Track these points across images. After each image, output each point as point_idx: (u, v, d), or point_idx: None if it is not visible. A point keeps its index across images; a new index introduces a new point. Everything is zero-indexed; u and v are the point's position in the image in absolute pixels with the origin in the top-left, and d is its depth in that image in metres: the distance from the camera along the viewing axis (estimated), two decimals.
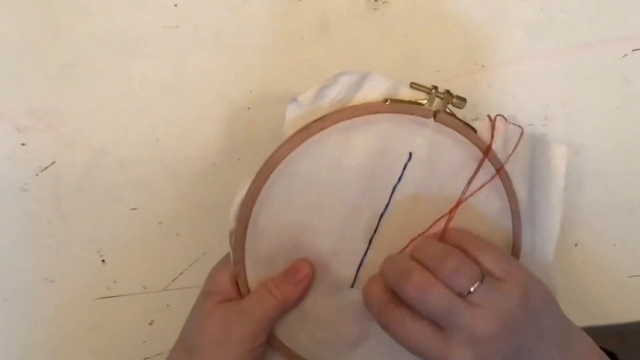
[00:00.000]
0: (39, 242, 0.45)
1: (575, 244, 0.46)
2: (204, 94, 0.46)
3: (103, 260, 0.46)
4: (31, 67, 0.46)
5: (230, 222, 0.38)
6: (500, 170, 0.39)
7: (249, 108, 0.46)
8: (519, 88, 0.46)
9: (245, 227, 0.38)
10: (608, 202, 0.46)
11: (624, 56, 0.46)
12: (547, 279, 0.40)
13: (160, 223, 0.46)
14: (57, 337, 0.45)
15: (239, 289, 0.39)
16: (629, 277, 0.46)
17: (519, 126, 0.40)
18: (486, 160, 0.39)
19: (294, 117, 0.38)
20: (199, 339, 0.37)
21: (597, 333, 0.44)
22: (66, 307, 0.45)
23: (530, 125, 0.46)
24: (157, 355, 0.45)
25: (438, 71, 0.46)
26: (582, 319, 0.46)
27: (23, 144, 0.45)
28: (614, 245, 0.46)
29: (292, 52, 0.46)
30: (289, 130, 0.38)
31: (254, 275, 0.39)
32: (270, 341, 0.40)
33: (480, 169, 0.39)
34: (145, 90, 0.46)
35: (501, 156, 0.40)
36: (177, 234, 0.46)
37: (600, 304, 0.46)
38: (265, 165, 0.38)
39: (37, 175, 0.45)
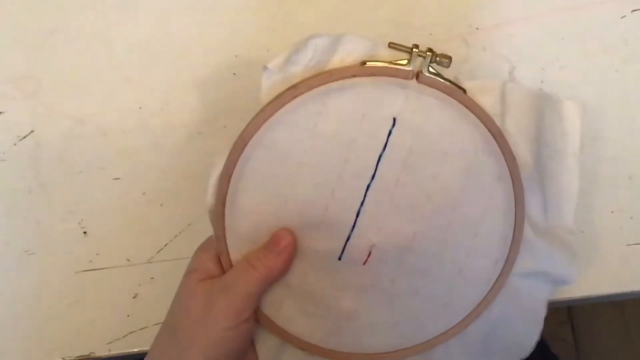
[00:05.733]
0: (18, 213, 0.44)
1: None
2: (188, 60, 0.45)
3: (85, 232, 0.44)
4: (8, 32, 0.44)
5: (208, 199, 0.37)
6: (495, 132, 0.37)
7: (234, 73, 0.45)
8: (515, 51, 0.45)
9: (224, 204, 0.37)
10: (606, 168, 0.45)
11: (622, 17, 0.45)
12: (563, 247, 0.39)
13: (144, 193, 0.44)
14: (38, 311, 0.44)
15: (223, 268, 0.38)
16: (628, 245, 0.45)
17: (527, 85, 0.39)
18: (481, 124, 0.37)
19: (269, 85, 0.36)
20: (181, 317, 0.36)
21: (596, 303, 0.43)
22: (47, 281, 0.44)
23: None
24: (141, 329, 0.44)
25: (430, 34, 0.45)
26: (580, 288, 0.44)
27: (0, 113, 0.44)
28: (612, 212, 0.45)
29: (279, 14, 0.44)
30: (265, 99, 0.36)
31: (237, 252, 0.37)
32: (261, 320, 0.38)
33: (474, 132, 0.37)
34: (127, 56, 0.45)
35: (498, 117, 0.38)
36: (162, 205, 0.44)
37: (598, 273, 0.45)
38: (239, 139, 0.36)
39: (15, 144, 0.44)
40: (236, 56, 0.44)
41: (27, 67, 0.44)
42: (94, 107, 0.44)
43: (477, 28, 0.45)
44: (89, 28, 0.44)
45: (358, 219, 0.37)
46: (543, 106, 0.39)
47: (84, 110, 0.44)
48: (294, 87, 0.36)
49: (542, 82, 0.45)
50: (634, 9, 0.45)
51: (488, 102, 0.38)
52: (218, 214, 0.37)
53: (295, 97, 0.36)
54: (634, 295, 0.46)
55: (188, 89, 0.44)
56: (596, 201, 0.45)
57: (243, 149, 0.36)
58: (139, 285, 0.44)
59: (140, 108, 0.44)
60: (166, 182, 0.44)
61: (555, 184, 0.39)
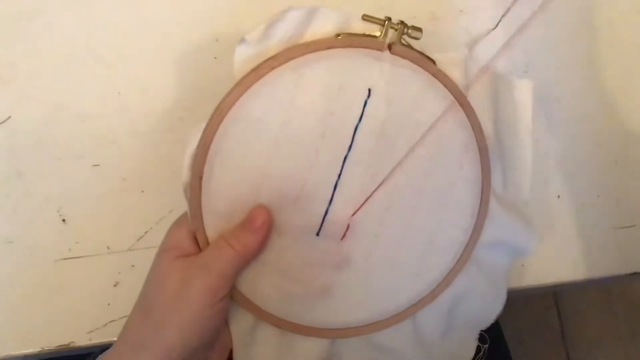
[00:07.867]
0: None
1: (558, 196, 0.45)
2: (168, 44, 0.44)
3: (64, 220, 0.43)
4: None
5: (184, 175, 0.36)
6: (463, 103, 0.37)
7: (215, 58, 0.44)
8: (499, 34, 0.44)
9: (200, 179, 0.36)
10: (592, 153, 0.44)
11: None
12: (522, 219, 0.39)
13: (124, 180, 0.44)
14: (16, 300, 0.43)
15: (198, 245, 0.37)
16: (613, 229, 0.45)
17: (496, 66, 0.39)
18: (450, 95, 0.37)
19: (243, 59, 0.36)
20: (156, 296, 0.35)
21: (582, 287, 0.43)
22: (26, 270, 0.43)
23: (510, 72, 0.44)
24: (122, 317, 0.43)
25: (414, 17, 0.44)
26: (566, 273, 0.44)
27: None
28: (598, 196, 0.44)
29: None
30: (239, 73, 0.36)
31: (214, 230, 0.37)
32: (236, 298, 0.38)
33: (444, 103, 0.37)
34: (105, 40, 0.44)
35: (463, 90, 0.38)
36: (142, 191, 0.44)
37: (584, 257, 0.44)
38: (216, 112, 0.35)
39: None
40: (217, 40, 0.44)
41: (3, 52, 0.43)
42: (72, 92, 0.43)
43: (461, 10, 0.44)
44: (66, 13, 0.43)
45: (335, 193, 0.37)
46: (498, 84, 0.39)
47: (61, 96, 0.43)
48: (271, 59, 0.35)
49: (527, 65, 0.44)
50: None
51: (454, 74, 0.38)
52: (194, 189, 0.36)
53: (273, 68, 0.35)
54: (620, 280, 0.45)
55: (168, 74, 0.44)
56: (582, 186, 0.44)
57: (220, 123, 0.35)
58: (120, 273, 0.44)
59: (119, 93, 0.43)
60: (146, 168, 0.44)
61: (511, 159, 0.40)
